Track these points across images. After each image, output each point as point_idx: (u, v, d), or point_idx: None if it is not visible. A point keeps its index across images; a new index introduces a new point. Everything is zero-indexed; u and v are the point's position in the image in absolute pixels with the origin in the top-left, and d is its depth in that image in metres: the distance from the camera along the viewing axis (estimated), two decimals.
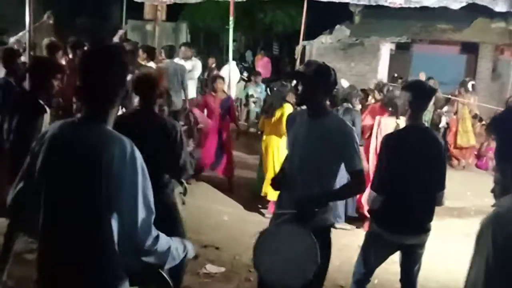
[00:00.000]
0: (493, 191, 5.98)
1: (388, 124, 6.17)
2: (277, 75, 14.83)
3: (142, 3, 13.49)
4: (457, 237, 6.10)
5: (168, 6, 13.69)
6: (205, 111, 7.95)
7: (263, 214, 6.69)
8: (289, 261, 3.08)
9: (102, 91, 2.13)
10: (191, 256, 2.35)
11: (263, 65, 15.61)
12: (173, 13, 17.33)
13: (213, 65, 12.82)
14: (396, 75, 12.10)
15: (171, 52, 9.50)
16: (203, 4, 13.99)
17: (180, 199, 3.88)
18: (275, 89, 7.20)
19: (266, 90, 11.80)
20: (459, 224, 6.65)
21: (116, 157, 2.02)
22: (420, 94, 3.82)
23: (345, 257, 5.29)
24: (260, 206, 6.88)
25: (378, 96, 8.28)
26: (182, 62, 9.92)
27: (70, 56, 8.10)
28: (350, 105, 6.67)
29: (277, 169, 5.61)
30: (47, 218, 2.12)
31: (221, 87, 7.96)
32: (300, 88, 3.35)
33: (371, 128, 6.79)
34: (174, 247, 2.20)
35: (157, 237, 2.11)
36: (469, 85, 10.73)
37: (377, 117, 6.90)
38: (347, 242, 6.03)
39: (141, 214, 2.05)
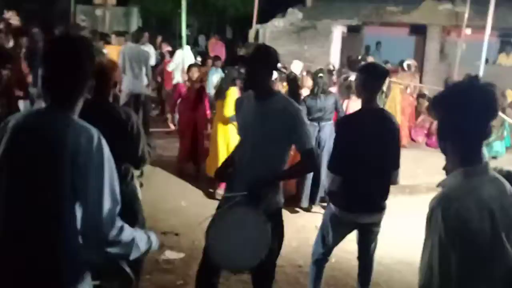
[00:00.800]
0: (445, 168, 6.16)
1: (357, 107, 6.27)
2: (231, 59, 14.74)
3: None
4: (410, 214, 6.27)
5: None
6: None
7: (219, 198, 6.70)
8: (241, 243, 3.11)
9: (71, 80, 2.12)
10: (156, 248, 2.33)
11: (216, 49, 15.48)
12: None
13: (165, 49, 12.64)
14: (359, 57, 12.04)
15: (138, 37, 9.58)
16: None
17: (138, 181, 3.85)
18: (225, 72, 7.15)
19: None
20: (412, 202, 6.86)
21: (83, 147, 2.01)
22: (374, 75, 3.89)
23: (303, 238, 5.39)
24: (212, 190, 6.89)
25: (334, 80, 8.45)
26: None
27: (11, 43, 7.87)
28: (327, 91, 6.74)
29: (227, 153, 5.59)
30: (7, 206, 2.08)
31: (196, 76, 7.70)
32: (244, 72, 3.37)
33: None
34: (138, 238, 2.19)
35: (122, 227, 2.10)
36: (405, 65, 11.03)
37: (346, 101, 7.06)
38: (304, 223, 6.14)
39: (106, 205, 2.04)
